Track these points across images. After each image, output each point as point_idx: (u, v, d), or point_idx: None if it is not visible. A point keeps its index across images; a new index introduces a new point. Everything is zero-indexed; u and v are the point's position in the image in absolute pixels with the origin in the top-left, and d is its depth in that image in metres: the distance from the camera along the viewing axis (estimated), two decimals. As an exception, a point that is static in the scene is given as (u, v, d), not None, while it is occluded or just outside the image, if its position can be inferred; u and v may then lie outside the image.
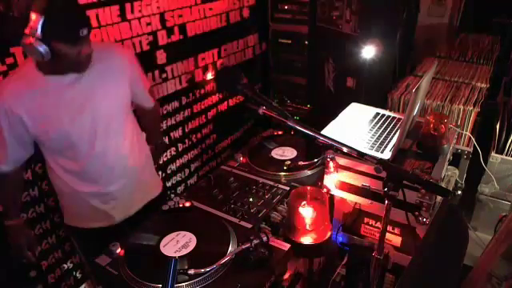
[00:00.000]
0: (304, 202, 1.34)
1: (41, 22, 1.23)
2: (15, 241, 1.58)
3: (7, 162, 1.48)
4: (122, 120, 1.60)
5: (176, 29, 2.46)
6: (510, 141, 1.95)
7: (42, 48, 1.26)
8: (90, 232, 1.66)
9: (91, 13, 1.94)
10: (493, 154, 1.95)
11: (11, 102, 1.36)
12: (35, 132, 1.43)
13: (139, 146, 1.70)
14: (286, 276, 1.19)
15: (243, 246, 1.13)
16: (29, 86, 1.38)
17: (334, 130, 1.64)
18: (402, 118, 1.58)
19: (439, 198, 1.28)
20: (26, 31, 1.25)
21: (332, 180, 1.42)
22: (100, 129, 1.51)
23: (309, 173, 1.60)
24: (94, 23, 1.96)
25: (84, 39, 1.31)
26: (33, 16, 1.23)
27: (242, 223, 1.31)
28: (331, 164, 1.40)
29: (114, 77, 1.53)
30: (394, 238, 1.37)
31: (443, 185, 1.51)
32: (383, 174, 1.03)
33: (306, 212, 1.33)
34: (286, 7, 3.15)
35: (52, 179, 1.63)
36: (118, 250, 1.17)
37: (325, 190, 1.43)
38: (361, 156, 1.08)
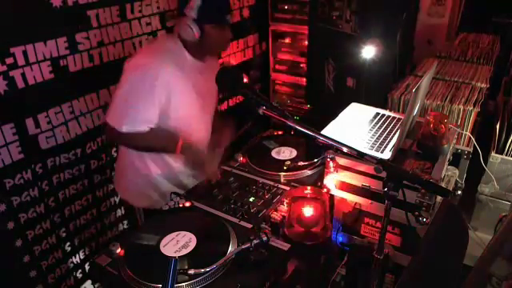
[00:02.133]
0: (304, 202, 1.34)
1: (198, 5, 1.44)
2: (199, 159, 1.66)
3: (150, 122, 1.55)
4: (213, 115, 1.82)
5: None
6: (510, 141, 1.95)
7: (196, 29, 1.47)
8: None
9: (91, 13, 1.94)
10: (493, 153, 1.95)
11: (166, 76, 1.49)
12: (167, 109, 1.55)
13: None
14: (286, 276, 1.19)
15: (243, 246, 1.13)
16: (179, 63, 1.54)
17: (334, 130, 1.64)
18: (402, 118, 1.58)
19: (439, 197, 1.28)
20: (186, 11, 1.46)
21: (332, 180, 1.42)
22: (205, 114, 1.74)
23: (309, 173, 1.60)
24: (94, 23, 1.96)
25: (227, 24, 1.54)
26: (194, 1, 1.44)
27: (242, 223, 1.31)
28: (331, 164, 1.40)
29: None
30: (393, 238, 1.37)
31: (443, 185, 1.51)
32: (383, 174, 1.03)
33: (306, 212, 1.33)
34: (285, 7, 3.16)
35: (136, 157, 1.70)
36: (118, 250, 1.17)
37: (325, 189, 1.43)
38: (361, 156, 1.08)
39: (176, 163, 1.71)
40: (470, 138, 1.94)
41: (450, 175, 1.62)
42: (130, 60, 1.53)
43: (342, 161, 1.38)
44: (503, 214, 1.89)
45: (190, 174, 1.75)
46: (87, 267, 2.22)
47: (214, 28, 1.50)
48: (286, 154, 1.74)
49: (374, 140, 1.56)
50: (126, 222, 2.44)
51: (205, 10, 1.44)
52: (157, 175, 1.70)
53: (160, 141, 1.61)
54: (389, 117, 1.76)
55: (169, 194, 1.62)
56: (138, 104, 1.49)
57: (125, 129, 1.50)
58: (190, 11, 1.45)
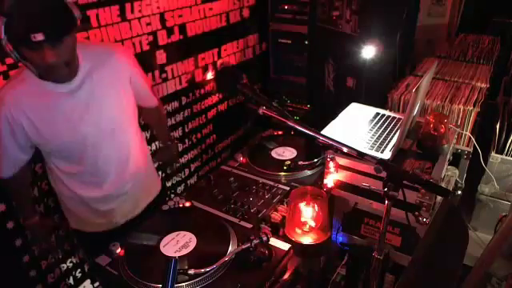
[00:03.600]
0: (304, 202, 1.34)
1: (3, 25, 1.16)
2: (35, 235, 1.71)
3: (6, 169, 1.48)
4: (127, 124, 1.59)
5: (176, 29, 2.46)
6: (510, 141, 1.95)
7: (12, 53, 1.20)
8: (92, 235, 1.66)
9: (91, 13, 1.94)
10: (493, 153, 1.95)
11: (12, 108, 1.33)
12: (36, 140, 1.42)
13: (141, 147, 1.70)
14: (286, 276, 1.19)
15: (243, 246, 1.13)
16: (29, 93, 1.35)
17: (334, 130, 1.64)
18: (402, 118, 1.58)
19: (439, 197, 1.28)
20: None
21: (332, 180, 1.42)
22: (104, 136, 1.49)
23: (309, 173, 1.60)
24: (94, 23, 1.96)
25: (42, 45, 1.17)
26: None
27: (242, 223, 1.31)
28: (331, 164, 1.40)
29: (114, 80, 1.49)
30: (393, 238, 1.37)
31: (443, 185, 1.51)
32: (383, 174, 1.03)
33: (306, 212, 1.33)
34: (286, 7, 3.15)
35: (52, 182, 1.63)
36: (118, 250, 1.17)
37: (325, 189, 1.43)
38: (361, 156, 1.08)
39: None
40: (470, 137, 1.94)
41: (449, 175, 1.62)
42: None
43: (342, 161, 1.38)
44: (503, 214, 1.89)
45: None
46: (87, 267, 2.22)
47: (29, 51, 1.19)
48: (286, 154, 1.74)
49: (374, 140, 1.56)
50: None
51: (7, 28, 1.15)
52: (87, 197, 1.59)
53: (18, 200, 1.65)
54: (389, 117, 1.76)
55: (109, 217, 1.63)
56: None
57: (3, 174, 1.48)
58: (0, 33, 1.17)
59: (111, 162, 1.54)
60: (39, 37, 1.15)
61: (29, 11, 1.16)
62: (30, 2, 1.18)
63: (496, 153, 1.96)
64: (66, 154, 1.49)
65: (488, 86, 2.25)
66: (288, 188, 1.48)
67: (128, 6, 2.12)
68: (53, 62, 1.22)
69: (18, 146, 1.42)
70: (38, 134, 1.38)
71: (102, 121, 1.47)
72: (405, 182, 1.02)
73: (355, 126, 1.67)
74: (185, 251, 1.16)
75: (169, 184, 2.70)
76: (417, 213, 1.10)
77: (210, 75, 2.82)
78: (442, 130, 1.48)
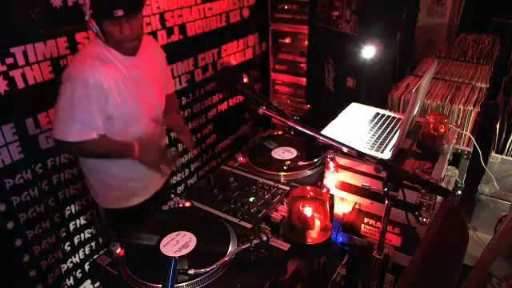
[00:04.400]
0: (304, 202, 1.34)
1: (87, 2, 1.42)
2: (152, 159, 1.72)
3: (94, 129, 1.57)
4: (163, 104, 1.83)
5: (176, 29, 2.46)
6: (510, 141, 1.95)
7: (94, 27, 1.46)
8: (121, 211, 1.81)
9: (91, 13, 1.94)
10: (493, 153, 1.95)
11: (97, 75, 1.49)
12: (112, 107, 1.56)
13: (164, 129, 1.94)
14: (286, 276, 1.19)
15: (243, 246, 1.13)
16: (107, 64, 1.53)
17: (334, 130, 1.64)
18: (402, 118, 1.58)
19: (439, 197, 1.28)
20: (84, 10, 1.45)
21: (332, 180, 1.42)
22: (151, 110, 1.73)
23: (309, 173, 1.60)
24: (93, 23, 1.96)
25: (121, 20, 1.44)
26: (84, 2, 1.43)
27: (242, 223, 1.31)
28: (331, 164, 1.40)
29: (160, 63, 1.80)
30: (393, 238, 1.37)
31: (443, 185, 1.51)
32: (383, 174, 1.03)
33: (306, 212, 1.33)
34: (286, 7, 3.16)
35: (97, 163, 1.73)
36: (118, 250, 1.17)
37: (325, 189, 1.43)
38: (361, 156, 1.08)
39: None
40: (470, 138, 1.94)
41: (449, 175, 1.62)
42: (66, 71, 1.54)
43: (342, 161, 1.38)
44: (503, 214, 1.89)
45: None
46: (87, 267, 2.22)
47: (110, 25, 1.47)
48: (286, 154, 1.74)
49: (374, 140, 1.56)
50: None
51: (93, 6, 1.42)
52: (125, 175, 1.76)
53: (114, 146, 1.65)
54: (389, 117, 1.76)
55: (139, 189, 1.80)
56: (77, 114, 1.51)
57: (71, 138, 1.54)
58: (86, 10, 1.44)
59: (152, 136, 1.76)
60: (120, 12, 1.41)
61: None
62: None
63: (496, 153, 1.96)
64: (126, 125, 1.65)
65: (488, 85, 2.25)
66: (288, 188, 1.48)
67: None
68: (129, 34, 1.49)
69: (101, 115, 1.56)
70: (114, 103, 1.56)
71: (155, 93, 1.74)
72: (405, 182, 1.02)
73: (355, 126, 1.67)
74: (185, 251, 1.16)
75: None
76: (417, 213, 1.10)
77: (210, 75, 2.83)
78: (442, 130, 1.48)
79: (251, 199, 1.43)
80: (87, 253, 2.22)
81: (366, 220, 1.42)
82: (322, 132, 1.35)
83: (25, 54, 1.72)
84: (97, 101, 1.52)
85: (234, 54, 3.07)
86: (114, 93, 1.55)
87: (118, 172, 1.73)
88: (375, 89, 2.42)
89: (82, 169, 1.81)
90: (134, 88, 1.62)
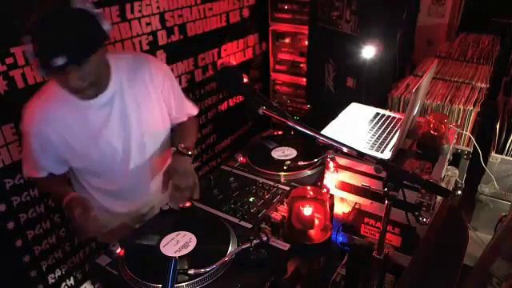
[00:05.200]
0: (304, 202, 1.34)
1: (30, 44, 1.11)
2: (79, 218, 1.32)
3: (41, 170, 1.45)
4: (160, 136, 1.54)
5: (176, 29, 2.46)
6: (510, 141, 1.95)
7: (40, 70, 1.14)
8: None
9: (91, 13, 1.94)
10: (493, 153, 1.95)
11: (43, 124, 1.30)
12: (67, 156, 1.40)
13: (167, 160, 1.58)
14: (286, 276, 1.19)
15: (243, 246, 1.12)
16: (59, 108, 1.30)
17: (334, 130, 1.64)
18: (402, 118, 1.58)
19: (439, 197, 1.28)
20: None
21: (332, 180, 1.42)
22: (133, 150, 1.45)
23: (309, 173, 1.60)
24: (94, 23, 1.96)
25: (64, 68, 1.11)
26: (26, 37, 1.11)
27: (242, 223, 1.30)
28: (331, 164, 1.40)
29: (147, 93, 1.42)
30: (393, 238, 1.37)
31: (443, 185, 1.51)
32: (383, 174, 1.03)
33: (306, 212, 1.33)
34: (286, 7, 3.16)
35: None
36: (118, 250, 1.17)
37: (325, 190, 1.43)
38: (361, 156, 1.08)
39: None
40: (470, 138, 1.94)
41: (449, 175, 1.62)
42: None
43: (342, 161, 1.38)
44: (503, 214, 1.89)
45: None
46: (87, 267, 2.22)
47: (52, 75, 1.21)
48: (286, 154, 1.74)
49: (374, 140, 1.56)
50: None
51: (32, 52, 1.11)
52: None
53: (53, 192, 1.48)
54: (389, 117, 1.76)
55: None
56: (26, 153, 1.41)
57: (25, 174, 1.48)
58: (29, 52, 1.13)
59: (142, 174, 1.52)
60: (60, 61, 1.09)
61: (49, 32, 1.10)
62: (52, 22, 1.11)
63: (496, 153, 1.96)
64: (96, 170, 1.45)
65: (488, 85, 2.25)
66: (288, 188, 1.48)
67: (128, 6, 2.12)
68: (77, 85, 1.18)
69: (51, 160, 1.41)
70: (69, 149, 1.36)
71: (132, 134, 1.42)
72: (405, 182, 1.02)
73: (355, 126, 1.67)
74: (185, 251, 1.16)
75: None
76: (417, 213, 1.10)
77: (210, 75, 2.83)
78: (442, 130, 1.48)
79: (251, 199, 1.43)
80: (87, 253, 2.22)
81: (366, 220, 1.42)
82: (322, 132, 1.35)
83: (25, 54, 1.72)
84: (43, 150, 1.36)
85: (234, 53, 3.07)
86: (70, 144, 1.35)
87: (96, 203, 1.50)
88: (375, 89, 2.42)
89: None
90: (102, 134, 1.37)
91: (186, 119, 1.63)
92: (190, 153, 1.45)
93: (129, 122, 1.40)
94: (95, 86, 1.27)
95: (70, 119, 1.32)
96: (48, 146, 1.34)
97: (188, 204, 1.38)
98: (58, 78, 1.20)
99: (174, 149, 1.44)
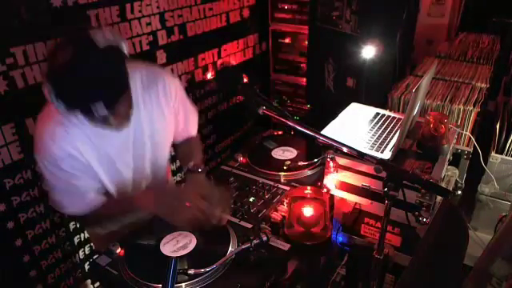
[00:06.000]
0: (304, 202, 1.34)
1: (53, 95, 1.04)
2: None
3: (96, 187, 1.34)
4: (166, 152, 1.54)
5: (176, 29, 2.46)
6: (510, 141, 1.95)
7: (58, 106, 1.06)
8: None
9: (91, 13, 1.94)
10: (493, 153, 1.95)
11: (68, 147, 1.22)
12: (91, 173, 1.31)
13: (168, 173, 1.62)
14: (286, 276, 1.19)
15: (243, 246, 1.13)
16: (77, 134, 1.23)
17: (334, 130, 1.64)
18: (402, 118, 1.58)
19: (439, 197, 1.28)
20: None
21: (332, 180, 1.42)
22: (147, 166, 1.45)
23: (309, 173, 1.60)
24: (94, 23, 1.96)
25: (103, 113, 1.08)
26: (46, 87, 1.04)
27: (242, 223, 1.31)
28: (331, 164, 1.39)
29: (160, 108, 1.40)
30: (393, 238, 1.37)
31: (443, 185, 1.51)
32: (383, 174, 1.03)
33: (306, 212, 1.33)
34: (285, 7, 3.16)
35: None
36: (118, 250, 1.17)
37: (325, 190, 1.43)
38: (361, 156, 1.08)
39: None
40: (470, 138, 1.94)
41: (449, 175, 1.62)
42: (34, 139, 1.25)
43: (342, 161, 1.37)
44: (503, 214, 1.89)
45: None
46: (87, 267, 2.22)
47: (88, 119, 1.13)
48: (286, 154, 1.74)
49: (374, 140, 1.56)
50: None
51: (61, 93, 1.05)
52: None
53: (120, 209, 1.37)
54: (389, 117, 1.76)
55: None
56: (65, 192, 1.28)
57: (83, 210, 1.31)
58: (49, 97, 1.05)
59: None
60: (100, 111, 1.06)
61: (81, 83, 1.05)
62: (83, 67, 1.05)
63: (496, 153, 1.95)
64: (110, 190, 1.40)
65: (488, 85, 2.25)
66: (288, 188, 1.48)
67: (128, 6, 2.12)
68: (116, 123, 1.18)
69: (88, 178, 1.30)
70: (90, 166, 1.29)
71: (146, 152, 1.41)
72: (405, 182, 1.02)
73: (355, 126, 1.67)
74: (185, 251, 1.16)
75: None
76: (417, 213, 1.10)
77: (210, 75, 2.82)
78: (442, 130, 1.48)
79: (251, 199, 1.43)
80: (87, 253, 2.22)
81: (366, 220, 1.42)
82: (322, 132, 1.35)
83: (25, 53, 1.72)
84: (80, 170, 1.26)
85: (234, 53, 3.07)
86: (87, 163, 1.28)
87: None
88: (375, 89, 2.42)
89: None
90: (119, 151, 1.34)
91: (188, 136, 1.64)
92: (200, 170, 1.45)
93: (143, 139, 1.39)
94: (128, 117, 1.24)
95: (86, 140, 1.26)
96: (79, 165, 1.26)
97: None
98: (91, 119, 1.13)
99: (185, 167, 1.45)
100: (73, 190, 1.27)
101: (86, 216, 1.33)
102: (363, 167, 1.34)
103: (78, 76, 1.05)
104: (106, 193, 1.39)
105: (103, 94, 1.07)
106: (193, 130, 1.65)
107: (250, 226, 1.30)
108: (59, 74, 1.05)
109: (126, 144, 1.35)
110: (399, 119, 1.73)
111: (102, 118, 1.11)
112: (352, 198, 1.41)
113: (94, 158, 1.28)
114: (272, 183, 1.51)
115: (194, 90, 2.75)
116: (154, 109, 1.39)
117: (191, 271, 1.06)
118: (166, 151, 1.53)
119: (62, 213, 1.47)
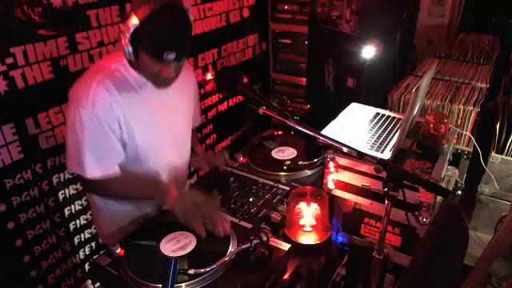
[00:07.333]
0: (304, 202, 1.34)
1: (134, 27, 1.19)
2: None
3: (118, 158, 1.36)
4: (188, 136, 1.62)
5: (176, 29, 2.46)
6: (510, 141, 1.95)
7: (129, 49, 1.23)
8: None
9: (91, 13, 1.94)
10: (493, 153, 1.95)
11: (110, 99, 1.27)
12: (125, 137, 1.35)
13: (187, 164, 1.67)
14: (286, 276, 1.19)
15: (243, 246, 1.13)
16: (125, 86, 1.32)
17: (334, 130, 1.64)
18: (402, 118, 1.58)
19: (439, 197, 1.28)
20: (122, 27, 1.22)
21: (332, 180, 1.42)
22: (174, 143, 1.53)
23: (309, 173, 1.60)
24: (94, 23, 1.96)
25: (168, 62, 1.25)
26: (133, 19, 1.19)
27: (242, 223, 1.31)
28: (331, 164, 1.40)
29: (189, 93, 1.58)
30: (393, 238, 1.37)
31: (443, 185, 1.51)
32: (383, 174, 1.03)
33: (306, 212, 1.33)
34: (286, 7, 3.16)
35: (107, 203, 1.50)
36: (118, 250, 1.17)
37: (325, 190, 1.43)
38: (361, 156, 1.08)
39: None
40: (470, 138, 1.94)
41: (449, 175, 1.62)
42: (73, 88, 1.30)
43: (342, 161, 1.38)
44: (503, 214, 1.89)
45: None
46: (87, 267, 2.22)
47: (152, 63, 1.25)
48: (286, 154, 1.74)
49: (374, 140, 1.56)
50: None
51: (140, 34, 1.20)
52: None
53: (141, 186, 1.41)
54: (389, 117, 1.76)
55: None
56: (93, 145, 1.28)
57: (92, 174, 1.30)
58: (125, 29, 1.20)
59: (172, 171, 1.53)
60: (171, 56, 1.22)
61: (168, 31, 1.23)
62: (172, 20, 1.23)
63: (496, 153, 1.96)
64: (142, 158, 1.42)
65: (488, 85, 2.25)
66: (288, 188, 1.48)
67: (128, 6, 2.12)
68: (170, 75, 1.31)
69: (117, 140, 1.34)
70: (128, 129, 1.34)
71: (177, 123, 1.53)
72: (405, 182, 1.02)
73: (355, 126, 1.67)
74: (185, 251, 1.16)
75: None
76: (417, 213, 1.10)
77: (210, 75, 2.82)
78: (442, 130, 1.48)
79: (251, 199, 1.43)
80: (87, 253, 2.22)
81: (366, 220, 1.42)
82: (322, 132, 1.35)
83: (25, 53, 1.72)
84: (112, 130, 1.30)
85: (234, 54, 3.07)
86: (130, 121, 1.33)
87: (131, 209, 1.49)
88: (375, 89, 2.42)
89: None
90: (154, 115, 1.41)
91: (194, 126, 1.71)
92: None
93: (177, 113, 1.51)
94: (177, 77, 1.37)
95: (133, 99, 1.33)
96: (114, 125, 1.30)
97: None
98: (153, 66, 1.26)
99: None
100: (101, 147, 1.30)
101: (102, 186, 1.34)
102: (363, 167, 1.34)
103: (169, 25, 1.23)
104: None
105: (179, 48, 1.25)
106: (197, 121, 1.75)
107: (250, 226, 1.30)
108: (154, 20, 1.19)
109: (161, 108, 1.43)
110: (399, 119, 1.73)
111: (160, 69, 1.27)
112: (352, 197, 1.41)
113: (131, 117, 1.34)
114: (272, 183, 1.51)
115: (194, 90, 2.75)
116: (185, 93, 1.54)
117: (191, 271, 1.06)
118: (188, 134, 1.61)
119: (81, 181, 1.50)
